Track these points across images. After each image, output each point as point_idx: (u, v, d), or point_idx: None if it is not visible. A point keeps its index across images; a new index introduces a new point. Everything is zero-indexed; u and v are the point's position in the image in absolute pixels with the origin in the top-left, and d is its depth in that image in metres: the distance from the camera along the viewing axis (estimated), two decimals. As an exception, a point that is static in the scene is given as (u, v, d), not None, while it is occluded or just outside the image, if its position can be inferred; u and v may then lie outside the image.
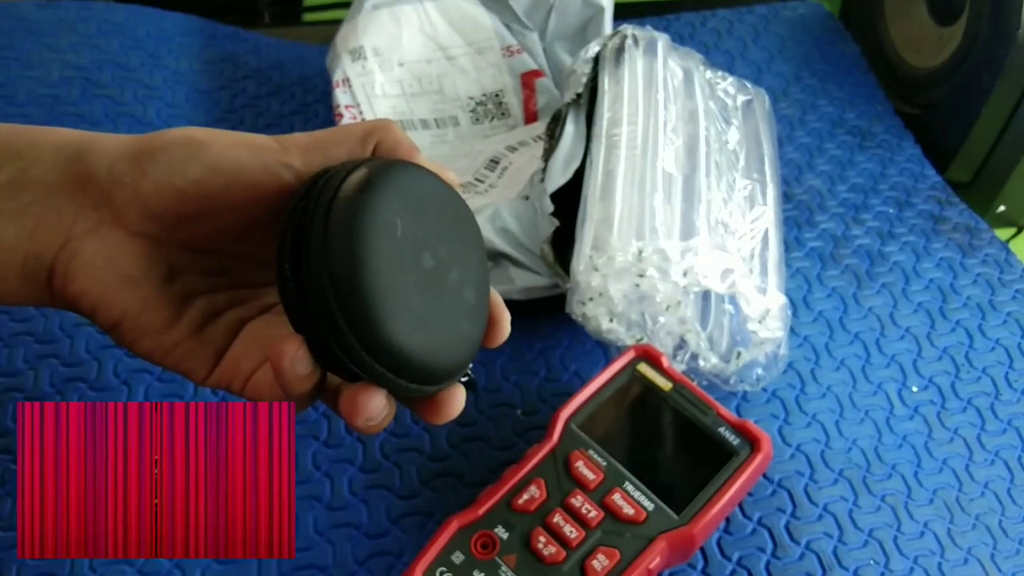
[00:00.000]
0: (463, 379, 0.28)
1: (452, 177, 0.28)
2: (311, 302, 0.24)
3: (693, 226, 0.42)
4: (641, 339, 0.41)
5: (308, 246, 0.24)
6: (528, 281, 0.45)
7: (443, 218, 0.27)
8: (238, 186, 0.26)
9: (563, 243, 0.43)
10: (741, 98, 0.53)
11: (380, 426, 0.26)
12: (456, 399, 0.27)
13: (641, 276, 0.40)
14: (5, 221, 0.26)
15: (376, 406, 0.25)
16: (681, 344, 0.42)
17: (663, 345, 0.41)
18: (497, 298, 0.29)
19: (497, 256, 0.46)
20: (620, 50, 0.49)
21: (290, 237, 0.24)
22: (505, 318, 0.29)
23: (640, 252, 0.40)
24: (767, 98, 0.55)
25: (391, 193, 0.25)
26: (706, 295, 0.43)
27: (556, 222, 0.43)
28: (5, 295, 0.27)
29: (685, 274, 0.40)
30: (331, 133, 0.28)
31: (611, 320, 0.40)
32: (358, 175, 0.25)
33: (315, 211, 0.24)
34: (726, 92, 0.53)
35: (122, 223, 0.27)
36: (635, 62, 0.48)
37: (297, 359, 0.24)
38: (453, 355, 0.26)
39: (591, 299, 0.40)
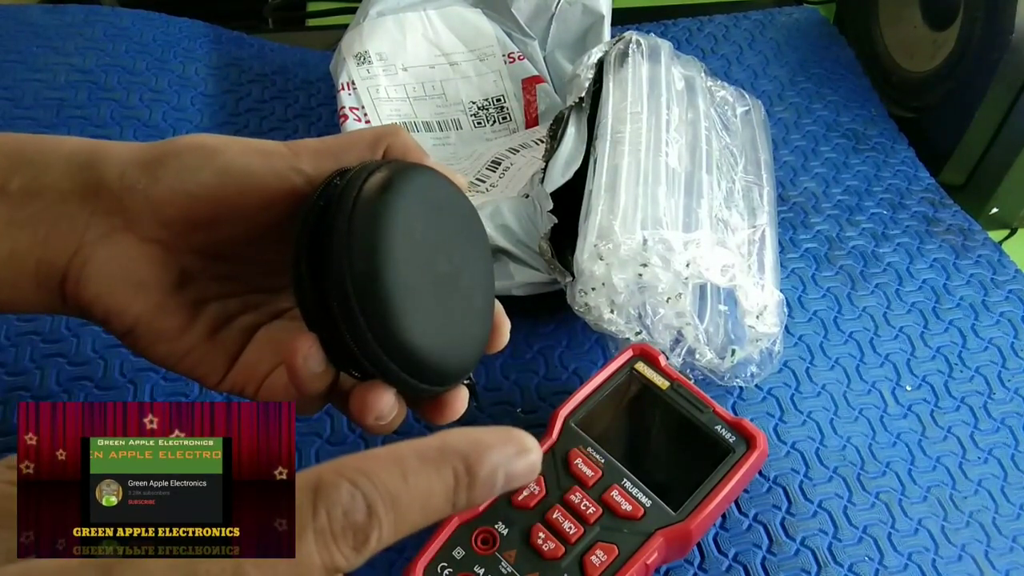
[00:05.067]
0: (466, 381, 0.28)
1: (461, 180, 0.28)
2: (330, 299, 0.24)
3: (696, 219, 0.43)
4: (640, 333, 0.42)
5: (330, 244, 0.24)
6: (527, 277, 0.45)
7: (456, 222, 0.27)
8: (250, 191, 0.27)
9: (561, 242, 0.44)
10: (740, 108, 0.54)
11: (390, 426, 0.26)
12: (460, 400, 0.28)
13: (644, 266, 0.40)
14: (17, 228, 0.26)
15: (386, 404, 0.26)
16: (678, 338, 0.42)
17: (661, 338, 0.42)
18: (499, 305, 0.29)
19: (497, 252, 0.46)
20: (624, 55, 0.49)
21: (307, 236, 0.24)
22: (506, 325, 0.29)
23: (645, 241, 0.40)
24: (763, 107, 0.56)
25: (411, 196, 0.25)
26: (702, 294, 0.43)
27: (554, 219, 0.43)
28: (19, 302, 0.27)
29: (688, 265, 0.40)
30: (342, 138, 0.28)
31: (612, 311, 0.40)
32: (379, 176, 0.25)
33: (337, 211, 0.24)
34: (725, 101, 0.53)
35: (134, 229, 0.27)
36: (639, 66, 0.49)
37: (310, 356, 0.24)
38: (462, 357, 0.27)
39: (593, 288, 0.40)
